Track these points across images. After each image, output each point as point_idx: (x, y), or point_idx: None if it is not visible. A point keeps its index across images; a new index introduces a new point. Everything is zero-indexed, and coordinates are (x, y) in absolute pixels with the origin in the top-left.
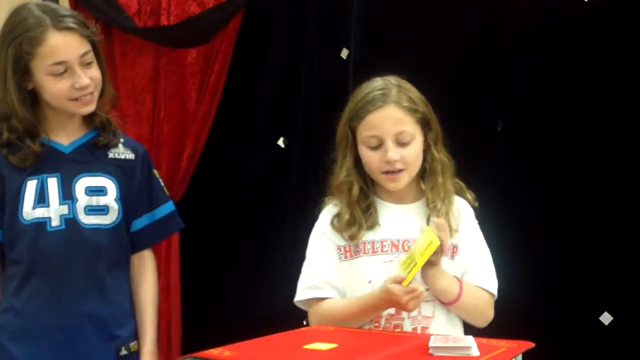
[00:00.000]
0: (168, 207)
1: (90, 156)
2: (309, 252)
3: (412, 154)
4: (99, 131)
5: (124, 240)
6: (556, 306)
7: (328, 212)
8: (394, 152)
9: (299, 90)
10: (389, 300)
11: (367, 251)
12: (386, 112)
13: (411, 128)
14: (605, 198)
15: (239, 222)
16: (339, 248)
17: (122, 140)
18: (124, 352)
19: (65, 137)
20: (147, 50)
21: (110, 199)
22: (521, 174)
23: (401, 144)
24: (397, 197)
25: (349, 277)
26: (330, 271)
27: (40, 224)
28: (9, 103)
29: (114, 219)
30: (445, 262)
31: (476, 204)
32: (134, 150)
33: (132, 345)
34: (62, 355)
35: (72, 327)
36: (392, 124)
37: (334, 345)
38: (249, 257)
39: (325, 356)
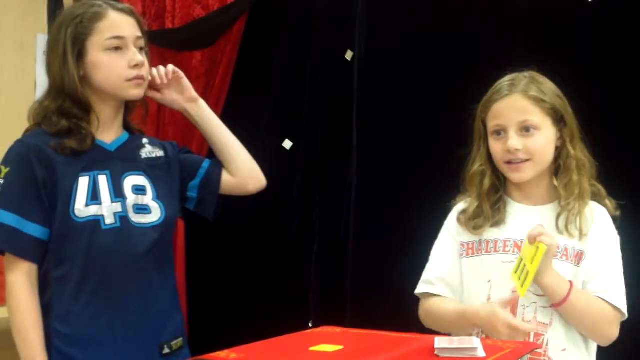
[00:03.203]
0: (206, 162)
1: (129, 156)
2: (433, 247)
3: (537, 144)
4: (129, 133)
5: (169, 237)
6: None
7: (456, 209)
8: (515, 140)
9: (304, 93)
10: (488, 321)
11: (489, 250)
12: (511, 100)
13: (537, 118)
14: None
15: (244, 224)
16: (462, 245)
17: (145, 140)
18: (166, 350)
19: (109, 136)
20: (152, 54)
21: (149, 199)
22: None
23: (525, 133)
24: (528, 198)
25: (469, 275)
26: (447, 269)
27: (95, 222)
28: (69, 84)
29: (159, 217)
30: (568, 268)
31: (617, 213)
32: (161, 147)
33: (175, 343)
34: (121, 356)
35: (127, 328)
36: (515, 112)
37: (340, 347)
38: (255, 258)
39: (331, 358)
